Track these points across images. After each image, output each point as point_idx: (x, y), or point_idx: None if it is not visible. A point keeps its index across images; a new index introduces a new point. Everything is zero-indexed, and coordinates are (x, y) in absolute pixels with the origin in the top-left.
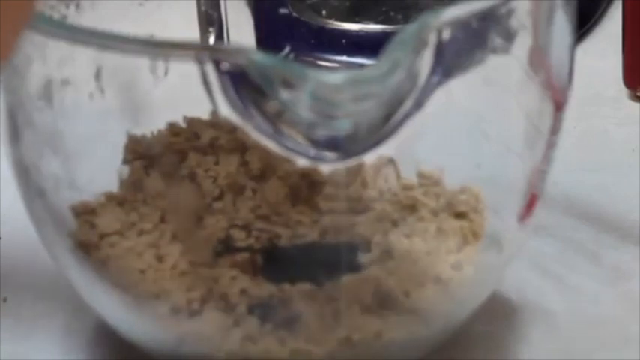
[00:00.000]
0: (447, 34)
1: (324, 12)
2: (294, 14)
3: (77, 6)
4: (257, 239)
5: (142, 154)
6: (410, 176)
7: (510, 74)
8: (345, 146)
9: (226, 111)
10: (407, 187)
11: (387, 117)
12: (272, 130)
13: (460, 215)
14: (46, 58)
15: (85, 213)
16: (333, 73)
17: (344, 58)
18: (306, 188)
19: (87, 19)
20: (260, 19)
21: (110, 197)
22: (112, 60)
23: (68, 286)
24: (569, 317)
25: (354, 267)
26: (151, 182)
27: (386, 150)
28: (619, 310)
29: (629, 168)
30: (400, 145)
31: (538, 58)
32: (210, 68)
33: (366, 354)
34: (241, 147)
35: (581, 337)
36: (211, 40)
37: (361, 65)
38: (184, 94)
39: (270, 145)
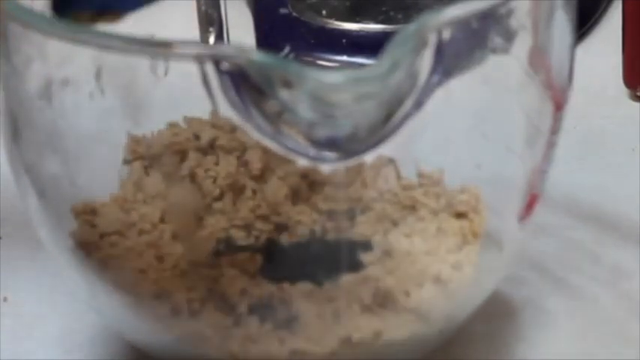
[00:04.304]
0: (447, 34)
1: (324, 12)
2: (294, 14)
3: None
4: (257, 239)
5: (142, 154)
6: (410, 176)
7: (510, 74)
8: (345, 146)
9: (226, 111)
10: (407, 187)
11: (387, 117)
12: (272, 130)
13: (460, 215)
14: (46, 58)
15: (85, 213)
16: (333, 73)
17: (344, 58)
18: (306, 188)
19: None
20: (260, 19)
21: (110, 197)
22: (112, 60)
23: (68, 286)
24: (569, 317)
25: (354, 267)
26: (151, 182)
27: (386, 150)
28: (619, 310)
29: (629, 168)
30: (400, 145)
31: (538, 58)
32: (210, 68)
33: (365, 354)
34: (241, 147)
35: (581, 337)
36: (211, 40)
37: (361, 65)
38: (184, 94)
39: (270, 145)
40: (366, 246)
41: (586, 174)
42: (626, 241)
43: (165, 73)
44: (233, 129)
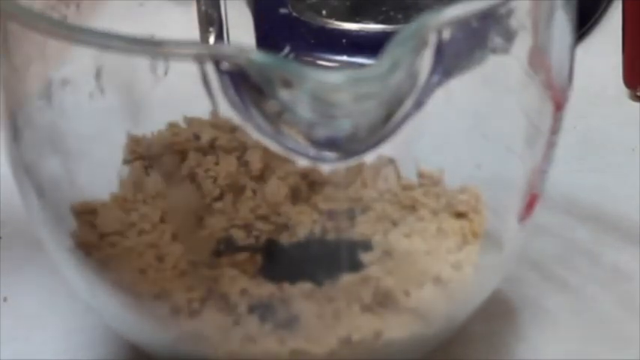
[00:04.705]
0: (447, 34)
1: (324, 12)
2: (294, 14)
3: (77, 6)
4: (257, 239)
5: (142, 154)
6: (410, 176)
7: (510, 74)
8: (345, 146)
9: (226, 111)
10: (407, 187)
11: (387, 117)
12: (272, 130)
13: (460, 215)
14: (46, 58)
15: (85, 213)
16: (333, 73)
17: (344, 58)
18: (306, 188)
19: (87, 19)
20: (260, 19)
21: (110, 197)
22: (112, 60)
23: (68, 286)
24: (569, 317)
25: (354, 267)
26: (151, 182)
27: (386, 150)
28: (619, 310)
29: (629, 168)
30: (400, 145)
31: (538, 58)
32: (210, 68)
33: (366, 354)
34: (241, 147)
35: (581, 337)
36: (211, 40)
37: (361, 65)
38: (184, 94)
39: (270, 145)
40: (366, 246)
41: (586, 174)
42: (626, 241)
43: (166, 73)
44: (233, 129)
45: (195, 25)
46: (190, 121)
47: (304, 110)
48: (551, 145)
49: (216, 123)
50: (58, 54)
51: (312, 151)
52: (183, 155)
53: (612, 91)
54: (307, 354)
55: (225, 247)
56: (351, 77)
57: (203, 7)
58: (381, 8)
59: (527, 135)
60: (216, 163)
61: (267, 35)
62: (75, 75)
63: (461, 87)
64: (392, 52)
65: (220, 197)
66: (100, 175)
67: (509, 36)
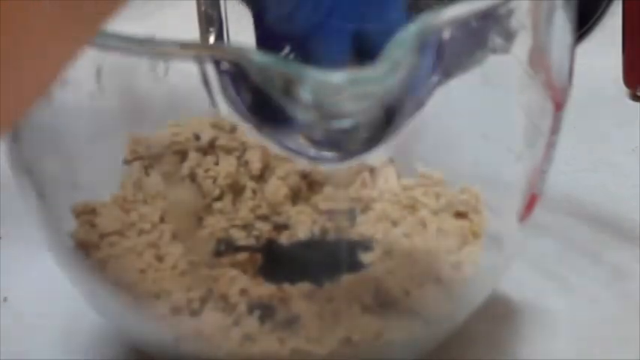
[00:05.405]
0: (447, 34)
1: None
2: None
3: None
4: (257, 239)
5: (142, 154)
6: (410, 176)
7: (510, 74)
8: (345, 146)
9: (226, 111)
10: (407, 187)
11: (388, 117)
12: (272, 130)
13: (460, 215)
14: None
15: (85, 213)
16: (333, 73)
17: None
18: (306, 188)
19: None
20: (260, 19)
21: (110, 197)
22: (112, 60)
23: (68, 286)
24: (569, 317)
25: (354, 267)
26: (151, 182)
27: (386, 150)
28: (619, 310)
29: (629, 168)
30: (400, 145)
31: (538, 58)
32: (210, 68)
33: (366, 354)
34: (241, 147)
35: (581, 337)
36: (211, 40)
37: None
38: (184, 94)
39: (270, 145)
40: (366, 246)
41: (586, 174)
42: (626, 241)
43: (166, 73)
44: (233, 129)
45: (195, 25)
46: (190, 121)
47: (304, 110)
48: (551, 145)
49: (216, 123)
50: None
51: (312, 151)
52: (183, 155)
53: (612, 91)
54: (307, 354)
55: (225, 247)
56: (351, 77)
57: (203, 7)
58: None
59: (527, 135)
60: (216, 163)
61: (267, 35)
62: (75, 75)
63: (461, 87)
64: (392, 53)
65: (220, 197)
66: (100, 175)
67: (509, 36)
